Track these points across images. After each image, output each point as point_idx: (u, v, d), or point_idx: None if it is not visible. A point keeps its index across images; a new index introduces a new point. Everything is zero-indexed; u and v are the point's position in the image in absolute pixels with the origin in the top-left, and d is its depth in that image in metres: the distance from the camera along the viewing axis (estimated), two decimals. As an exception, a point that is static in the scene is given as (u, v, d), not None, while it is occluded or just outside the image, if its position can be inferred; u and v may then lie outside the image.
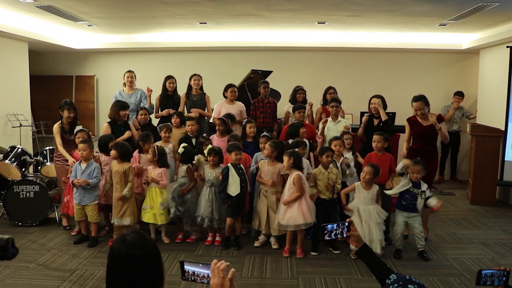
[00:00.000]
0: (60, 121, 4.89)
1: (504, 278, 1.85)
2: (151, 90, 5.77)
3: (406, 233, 4.30)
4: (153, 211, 4.45)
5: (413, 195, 4.07)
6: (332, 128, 5.06)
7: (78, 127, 4.96)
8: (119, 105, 5.05)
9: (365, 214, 4.00)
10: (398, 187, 4.17)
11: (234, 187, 4.30)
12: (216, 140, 5.00)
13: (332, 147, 4.46)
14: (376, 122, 4.95)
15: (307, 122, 5.40)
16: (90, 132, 5.25)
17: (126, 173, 4.30)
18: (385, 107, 4.95)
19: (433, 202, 4.05)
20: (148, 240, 1.56)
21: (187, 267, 1.58)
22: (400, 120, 5.31)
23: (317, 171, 4.25)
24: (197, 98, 5.74)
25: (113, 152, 4.32)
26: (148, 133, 4.84)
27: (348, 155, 4.62)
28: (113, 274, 1.52)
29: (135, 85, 5.87)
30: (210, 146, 4.55)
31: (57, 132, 4.84)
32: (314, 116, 5.77)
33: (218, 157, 4.43)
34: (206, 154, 4.45)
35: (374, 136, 4.48)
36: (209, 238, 4.54)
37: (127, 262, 1.49)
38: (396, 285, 1.45)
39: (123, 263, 1.50)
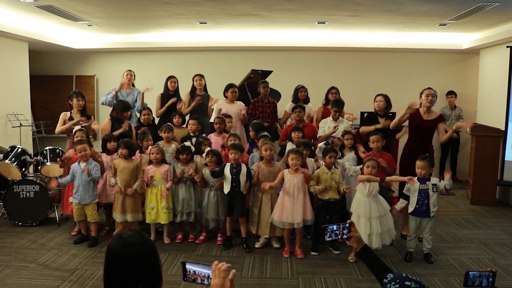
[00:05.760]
0: (69, 111, 5.11)
1: (491, 279, 1.87)
2: (149, 89, 5.76)
3: (421, 235, 4.22)
4: (155, 211, 4.43)
5: (423, 193, 3.97)
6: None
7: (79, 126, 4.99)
8: (122, 107, 5.09)
9: (365, 207, 3.96)
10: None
11: (225, 186, 4.33)
12: (214, 139, 5.02)
13: (345, 140, 4.50)
14: (381, 120, 4.90)
15: (307, 121, 5.40)
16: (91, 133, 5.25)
17: (135, 169, 4.37)
18: (389, 106, 4.94)
19: (442, 185, 3.97)
20: (146, 239, 1.56)
21: (188, 266, 1.59)
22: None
23: (320, 171, 4.23)
24: (201, 98, 5.73)
25: (124, 151, 4.34)
26: (145, 130, 4.87)
27: (351, 154, 4.60)
28: (110, 272, 1.52)
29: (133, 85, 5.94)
30: (208, 148, 4.54)
31: (62, 118, 5.08)
32: (315, 117, 5.78)
33: (216, 159, 4.42)
34: (204, 156, 4.45)
35: (372, 136, 4.44)
36: (202, 237, 4.57)
37: (123, 261, 1.49)
38: (393, 283, 1.46)
39: (119, 261, 1.50)
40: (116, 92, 5.69)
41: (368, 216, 3.94)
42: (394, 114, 5.78)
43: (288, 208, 4.08)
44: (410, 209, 4.04)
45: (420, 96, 4.58)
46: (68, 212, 4.79)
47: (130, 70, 5.88)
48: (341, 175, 4.26)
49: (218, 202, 4.44)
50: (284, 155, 4.44)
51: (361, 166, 4.15)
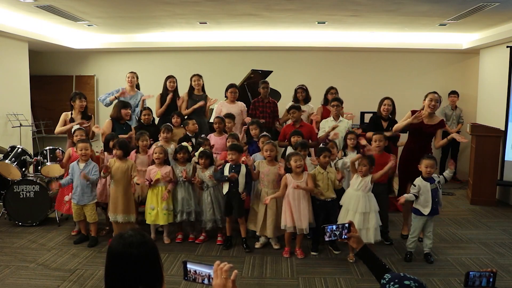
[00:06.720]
0: (70, 112, 5.09)
1: (491, 280, 1.87)
2: (150, 96, 5.81)
3: (421, 235, 4.20)
4: (155, 211, 4.43)
5: (433, 193, 3.95)
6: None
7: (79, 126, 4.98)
8: (121, 105, 5.13)
9: (354, 201, 3.96)
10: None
11: (224, 186, 4.33)
12: (214, 139, 5.02)
13: (348, 140, 4.55)
14: (385, 124, 4.89)
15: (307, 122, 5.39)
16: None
17: (129, 170, 4.36)
18: (394, 111, 4.94)
19: (442, 179, 4.02)
20: (147, 239, 1.56)
21: (189, 266, 1.59)
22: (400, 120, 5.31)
23: (316, 172, 4.23)
24: (199, 98, 5.74)
25: (118, 152, 4.34)
26: (143, 131, 4.86)
27: (353, 155, 4.59)
28: (110, 272, 1.52)
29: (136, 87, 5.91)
30: (201, 149, 4.54)
31: (62, 118, 5.06)
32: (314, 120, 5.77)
33: (209, 160, 4.43)
34: (197, 156, 4.45)
35: (375, 135, 4.42)
36: (202, 237, 4.56)
37: (124, 260, 1.49)
38: (392, 283, 1.45)
39: (120, 261, 1.50)
40: (116, 98, 5.62)
41: (355, 211, 3.94)
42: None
43: (294, 213, 4.07)
44: (423, 210, 3.98)
45: (424, 99, 4.56)
46: (63, 210, 4.79)
47: (132, 72, 5.83)
48: (336, 174, 4.25)
49: (212, 202, 4.42)
50: (285, 159, 4.42)
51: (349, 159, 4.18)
